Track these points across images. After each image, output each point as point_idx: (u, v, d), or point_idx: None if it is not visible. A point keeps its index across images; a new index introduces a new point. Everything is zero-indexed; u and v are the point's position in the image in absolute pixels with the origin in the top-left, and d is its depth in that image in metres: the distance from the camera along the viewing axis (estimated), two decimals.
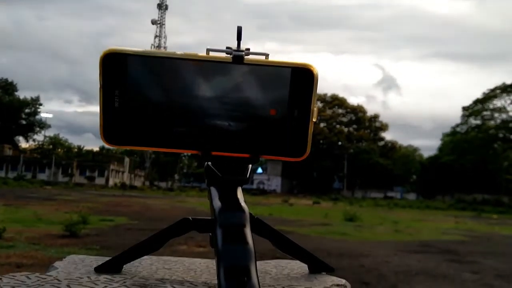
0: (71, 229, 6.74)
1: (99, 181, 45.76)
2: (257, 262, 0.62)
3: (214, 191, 0.48)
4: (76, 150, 59.61)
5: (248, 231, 0.44)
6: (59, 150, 56.67)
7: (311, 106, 0.46)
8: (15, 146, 53.03)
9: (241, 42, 0.45)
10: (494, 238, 10.27)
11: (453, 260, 6.45)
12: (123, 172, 51.72)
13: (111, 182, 45.69)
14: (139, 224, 8.98)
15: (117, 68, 0.45)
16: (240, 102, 0.45)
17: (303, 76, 0.45)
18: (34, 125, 53.33)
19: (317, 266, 0.58)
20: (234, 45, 0.45)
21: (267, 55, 0.45)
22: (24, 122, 53.04)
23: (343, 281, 0.53)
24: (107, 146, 0.47)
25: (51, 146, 55.71)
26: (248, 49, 0.45)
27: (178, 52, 0.45)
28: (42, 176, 44.09)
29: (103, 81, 0.45)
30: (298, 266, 0.59)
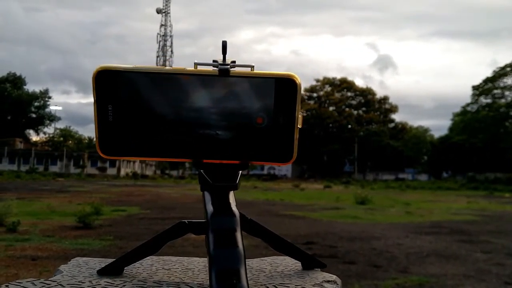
0: (85, 220, 6.82)
1: (111, 171, 46.10)
2: (253, 260, 0.64)
3: (207, 196, 0.50)
4: (86, 141, 59.95)
5: (238, 235, 0.46)
6: (70, 142, 57.04)
7: (295, 113, 0.48)
8: (26, 139, 53.46)
9: (226, 55, 0.47)
10: (506, 217, 10.25)
11: (464, 240, 6.46)
12: (134, 162, 52.00)
13: (122, 172, 46.02)
14: (151, 213, 9.07)
15: (109, 84, 0.47)
16: (228, 112, 0.48)
17: (286, 86, 0.47)
18: (44, 118, 53.73)
19: (310, 263, 0.60)
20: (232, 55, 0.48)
21: (252, 67, 0.47)
22: (34, 115, 53.44)
23: (333, 277, 0.55)
24: (104, 157, 0.50)
25: (61, 138, 56.07)
26: (234, 62, 0.47)
27: (167, 67, 0.47)
28: (54, 168, 44.50)
29: (96, 97, 0.47)
30: (293, 263, 0.62)
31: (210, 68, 0.47)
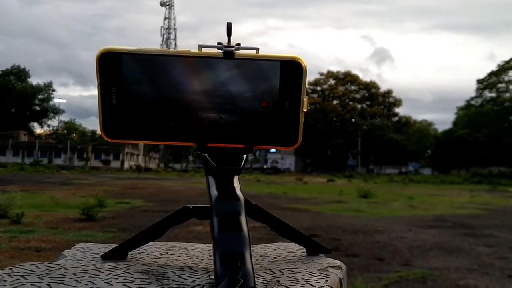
0: (88, 213, 6.83)
1: (115, 164, 46.16)
2: (258, 246, 0.64)
3: (211, 181, 0.50)
4: (90, 134, 60.04)
5: (243, 219, 0.46)
6: (74, 134, 57.14)
7: (301, 97, 0.47)
8: (30, 132, 53.55)
9: (231, 37, 0.47)
10: (509, 211, 10.22)
11: (467, 234, 6.45)
12: (137, 155, 52.08)
13: (126, 165, 46.08)
14: (154, 206, 9.08)
15: (113, 66, 0.46)
16: (233, 95, 0.47)
17: (292, 69, 0.47)
18: (47, 110, 53.81)
19: (314, 249, 0.60)
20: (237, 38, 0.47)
21: (257, 49, 0.46)
22: (38, 108, 53.51)
23: (338, 262, 0.55)
24: (108, 141, 0.49)
25: (65, 131, 56.16)
26: (239, 44, 0.46)
27: (171, 50, 0.47)
28: (58, 161, 44.60)
29: (100, 79, 0.47)
30: (297, 249, 0.62)
31: (215, 51, 0.46)
